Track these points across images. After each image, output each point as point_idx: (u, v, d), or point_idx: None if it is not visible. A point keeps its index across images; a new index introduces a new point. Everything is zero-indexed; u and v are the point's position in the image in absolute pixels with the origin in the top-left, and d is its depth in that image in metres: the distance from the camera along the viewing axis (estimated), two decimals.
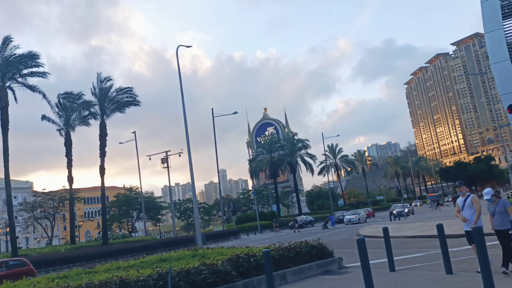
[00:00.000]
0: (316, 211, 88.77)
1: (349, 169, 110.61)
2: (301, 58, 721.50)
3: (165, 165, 58.22)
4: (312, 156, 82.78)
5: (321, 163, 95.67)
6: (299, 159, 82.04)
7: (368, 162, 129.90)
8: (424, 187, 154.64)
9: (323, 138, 76.25)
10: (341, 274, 11.73)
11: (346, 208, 78.55)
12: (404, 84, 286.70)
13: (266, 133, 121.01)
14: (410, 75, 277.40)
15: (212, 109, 52.71)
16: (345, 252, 16.85)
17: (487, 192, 9.60)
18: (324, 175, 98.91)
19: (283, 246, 12.48)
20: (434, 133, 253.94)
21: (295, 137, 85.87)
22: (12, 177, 39.20)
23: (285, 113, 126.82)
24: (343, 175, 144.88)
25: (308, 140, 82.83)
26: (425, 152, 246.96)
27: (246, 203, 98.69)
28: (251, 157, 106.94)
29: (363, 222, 48.54)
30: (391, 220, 44.20)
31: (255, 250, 12.03)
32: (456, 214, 10.41)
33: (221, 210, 64.12)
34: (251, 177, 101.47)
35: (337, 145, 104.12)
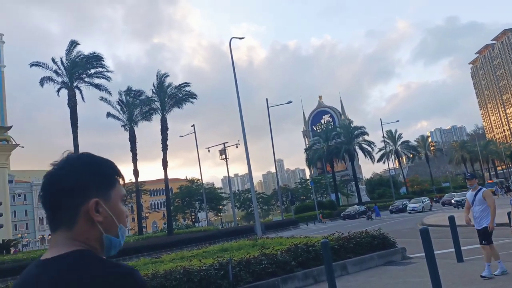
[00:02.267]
0: (377, 199, 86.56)
1: (411, 155, 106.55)
2: (358, 42, 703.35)
3: (223, 156, 59.31)
4: (370, 143, 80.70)
5: (380, 150, 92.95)
6: (357, 147, 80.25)
7: (431, 148, 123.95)
8: (494, 172, 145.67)
9: (381, 124, 74.00)
10: (405, 265, 11.39)
11: (409, 196, 75.86)
12: (469, 63, 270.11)
13: (322, 121, 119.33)
14: (475, 53, 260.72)
15: (266, 99, 52.79)
16: (409, 242, 16.30)
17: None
18: (384, 162, 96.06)
19: (343, 236, 12.31)
20: (504, 114, 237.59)
21: (352, 124, 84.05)
22: None
23: (341, 100, 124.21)
24: (404, 162, 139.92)
25: (365, 127, 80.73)
26: (494, 135, 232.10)
27: (304, 193, 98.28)
28: (307, 146, 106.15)
29: (427, 210, 46.71)
30: (457, 208, 42.19)
31: (314, 240, 11.98)
32: (465, 212, 9.27)
33: (279, 200, 64.37)
34: (308, 166, 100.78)
35: (396, 131, 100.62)
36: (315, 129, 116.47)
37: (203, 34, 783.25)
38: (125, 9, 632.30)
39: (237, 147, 58.61)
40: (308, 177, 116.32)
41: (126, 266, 1.15)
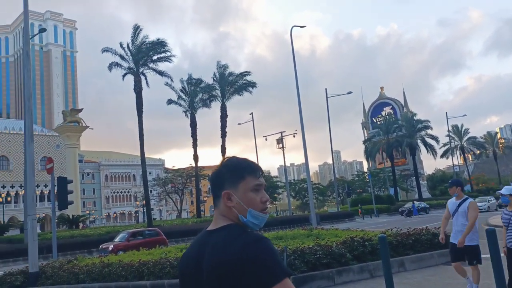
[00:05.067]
0: (438, 196, 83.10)
1: (478, 152, 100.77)
2: (427, 32, 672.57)
3: (280, 145, 59.46)
4: (434, 138, 77.23)
5: (444, 145, 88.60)
6: (419, 141, 77.10)
7: (500, 145, 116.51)
8: None
9: (447, 118, 70.58)
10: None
11: (473, 195, 72.07)
12: None
13: (383, 113, 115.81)
14: None
15: (325, 89, 52.08)
16: None
17: (508, 189, 6.93)
18: (447, 158, 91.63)
19: (401, 232, 12.04)
20: None
21: (415, 117, 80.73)
22: (147, 155, 43.78)
23: (404, 92, 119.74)
24: (470, 159, 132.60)
25: (429, 121, 77.26)
26: None
27: (361, 185, 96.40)
28: (366, 138, 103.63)
29: (493, 210, 44.17)
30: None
31: (370, 234, 11.82)
32: (442, 222, 8.01)
33: (335, 191, 63.62)
34: (366, 159, 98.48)
35: (462, 126, 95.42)
36: (375, 121, 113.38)
37: (266, 22, 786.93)
38: None
39: (294, 136, 58.52)
40: (365, 170, 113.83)
41: (260, 234, 1.72)
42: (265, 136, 62.68)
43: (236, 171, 1.81)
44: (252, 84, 52.73)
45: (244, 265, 1.60)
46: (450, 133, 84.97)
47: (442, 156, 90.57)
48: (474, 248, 7.43)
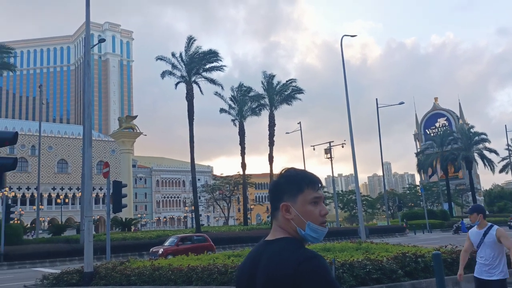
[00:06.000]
0: (496, 213, 78.54)
1: None
2: (485, 41, 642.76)
3: (328, 155, 58.71)
4: (492, 151, 73.29)
5: (503, 159, 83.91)
6: (476, 154, 73.48)
7: None
8: None
9: (506, 131, 67.01)
10: None
11: None
12: None
13: (437, 124, 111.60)
14: None
15: (376, 99, 50.98)
16: None
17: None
18: (507, 173, 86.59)
19: (456, 249, 11.49)
20: None
21: (472, 129, 77.09)
22: (196, 162, 44.70)
23: (459, 103, 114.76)
24: None
25: (485, 134, 73.51)
26: None
27: (413, 199, 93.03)
28: (418, 150, 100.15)
29: None
30: None
31: (423, 251, 11.39)
32: (462, 256, 6.77)
33: (385, 204, 61.89)
34: (418, 172, 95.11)
35: None
36: (428, 132, 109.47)
37: (317, 32, 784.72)
38: (247, 10, 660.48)
39: (343, 146, 57.64)
40: (417, 183, 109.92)
41: (315, 251, 1.70)
42: (313, 146, 62.23)
43: (294, 183, 1.79)
44: (299, 91, 52.82)
45: (298, 282, 1.60)
46: (510, 147, 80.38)
47: (501, 171, 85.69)
48: (503, 282, 6.38)
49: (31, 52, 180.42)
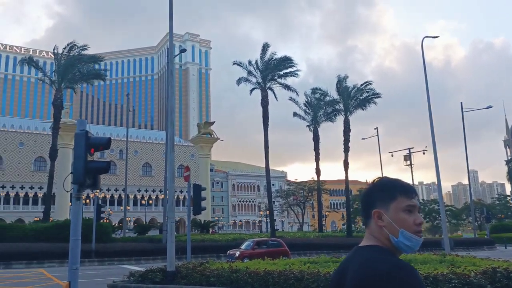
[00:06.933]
0: None
1: None
2: None
3: (408, 162, 56.15)
4: None
5: None
6: None
7: None
8: None
9: None
10: None
11: None
12: None
13: None
14: None
15: (461, 103, 47.89)
16: None
17: None
18: None
19: None
20: None
21: None
22: (271, 167, 45.14)
23: None
24: None
25: None
26: None
27: (503, 210, 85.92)
28: (509, 157, 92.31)
29: None
30: None
31: None
32: None
33: (472, 215, 57.66)
34: (509, 181, 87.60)
35: None
36: None
37: (396, 34, 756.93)
38: (323, 15, 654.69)
39: (423, 153, 54.95)
40: (508, 193, 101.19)
41: (404, 261, 1.63)
42: (391, 152, 59.89)
43: (387, 190, 1.79)
44: (376, 94, 51.13)
45: None
46: None
47: None
48: None
49: (119, 62, 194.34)
